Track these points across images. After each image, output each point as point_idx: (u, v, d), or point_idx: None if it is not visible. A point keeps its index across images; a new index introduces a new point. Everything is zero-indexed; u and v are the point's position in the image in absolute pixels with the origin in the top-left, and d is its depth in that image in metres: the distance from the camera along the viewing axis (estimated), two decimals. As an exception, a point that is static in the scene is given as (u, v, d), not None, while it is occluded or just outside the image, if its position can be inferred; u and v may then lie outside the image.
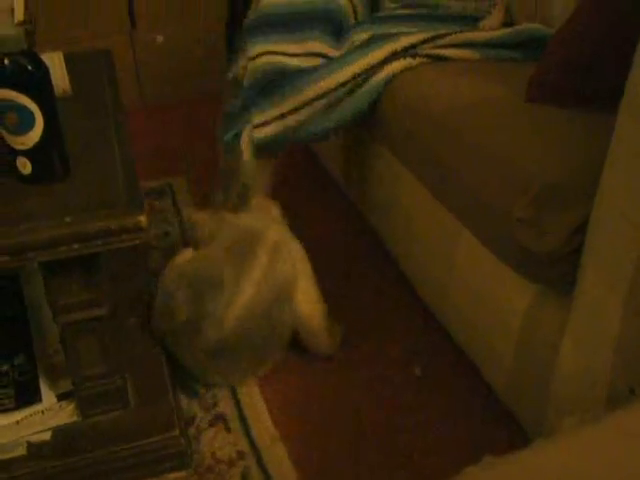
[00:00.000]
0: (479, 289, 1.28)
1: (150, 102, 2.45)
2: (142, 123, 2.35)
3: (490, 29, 1.57)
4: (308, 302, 1.42)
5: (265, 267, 1.34)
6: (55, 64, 1.31)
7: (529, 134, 1.21)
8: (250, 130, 1.53)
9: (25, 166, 1.06)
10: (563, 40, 1.26)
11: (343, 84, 1.47)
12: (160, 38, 2.43)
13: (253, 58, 1.55)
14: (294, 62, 1.54)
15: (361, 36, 1.55)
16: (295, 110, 1.49)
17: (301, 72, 1.50)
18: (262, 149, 1.55)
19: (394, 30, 1.56)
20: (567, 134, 1.19)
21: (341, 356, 1.50)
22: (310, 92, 1.48)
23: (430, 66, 1.46)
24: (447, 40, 1.48)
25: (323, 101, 1.48)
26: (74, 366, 1.21)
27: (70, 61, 1.44)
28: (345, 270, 1.72)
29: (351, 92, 1.48)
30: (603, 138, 1.01)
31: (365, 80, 1.48)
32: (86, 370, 1.21)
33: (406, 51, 1.47)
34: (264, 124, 1.52)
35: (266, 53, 1.55)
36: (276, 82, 1.51)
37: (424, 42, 1.48)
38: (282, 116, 1.50)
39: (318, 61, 1.54)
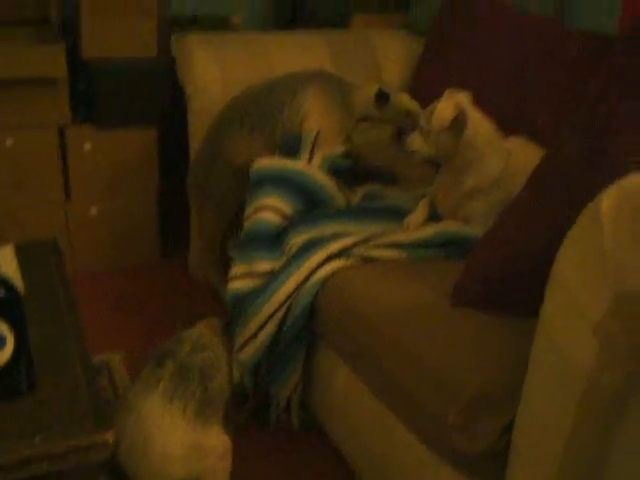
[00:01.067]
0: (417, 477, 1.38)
1: (83, 272, 2.52)
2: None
3: (415, 225, 1.73)
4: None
5: None
6: (7, 260, 1.38)
7: (458, 340, 1.34)
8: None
9: (-8, 384, 1.10)
10: (483, 254, 1.41)
11: (284, 302, 1.62)
12: (94, 210, 2.51)
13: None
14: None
15: (297, 240, 1.69)
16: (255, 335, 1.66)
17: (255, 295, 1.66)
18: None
19: (328, 231, 1.70)
20: (491, 339, 1.32)
21: None
22: (261, 315, 1.64)
23: (362, 267, 1.60)
24: (376, 242, 1.62)
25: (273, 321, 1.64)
26: None
27: (20, 254, 1.50)
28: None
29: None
30: (524, 343, 1.15)
31: (303, 284, 1.60)
32: None
33: (340, 254, 1.60)
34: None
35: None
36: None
37: (355, 244, 1.61)
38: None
39: None
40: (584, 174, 1.24)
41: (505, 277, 1.36)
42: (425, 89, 2.43)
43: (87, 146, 2.49)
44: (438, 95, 2.10)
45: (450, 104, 1.62)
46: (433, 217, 1.79)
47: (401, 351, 1.38)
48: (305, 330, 1.63)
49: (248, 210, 1.83)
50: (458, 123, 1.63)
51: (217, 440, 1.50)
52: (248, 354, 1.65)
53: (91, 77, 2.45)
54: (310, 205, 1.87)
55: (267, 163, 1.87)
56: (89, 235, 2.53)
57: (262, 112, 2.07)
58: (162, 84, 2.52)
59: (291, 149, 1.94)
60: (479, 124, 1.65)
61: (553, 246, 1.22)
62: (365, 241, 1.63)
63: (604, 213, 0.98)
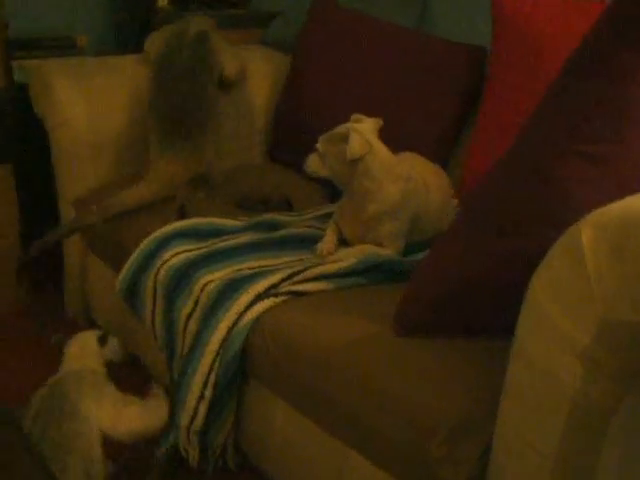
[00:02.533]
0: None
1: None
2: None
3: (328, 251, 1.73)
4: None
5: None
6: None
7: (418, 369, 1.35)
8: None
9: None
10: (424, 279, 1.42)
11: (218, 351, 1.56)
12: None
13: None
14: None
15: (210, 281, 1.64)
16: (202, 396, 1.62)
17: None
18: None
19: (245, 269, 1.66)
20: (452, 365, 1.34)
21: None
22: (199, 376, 1.61)
23: (293, 302, 1.57)
24: (302, 276, 1.59)
25: None
26: None
27: None
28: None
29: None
30: (486, 365, 1.21)
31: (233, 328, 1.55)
32: None
33: (268, 292, 1.56)
34: None
35: None
36: None
37: (282, 280, 1.58)
38: None
39: None
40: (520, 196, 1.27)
41: (452, 301, 1.38)
42: (294, 104, 2.42)
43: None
44: (310, 112, 2.12)
45: (360, 140, 1.62)
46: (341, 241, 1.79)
47: (359, 387, 1.36)
48: (237, 373, 1.57)
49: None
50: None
51: None
52: (194, 419, 1.58)
53: None
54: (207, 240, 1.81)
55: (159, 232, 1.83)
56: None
57: None
58: (11, 115, 2.33)
59: None
60: (376, 154, 1.66)
61: (497, 268, 1.26)
62: (291, 276, 1.59)
63: (585, 244, 1.01)
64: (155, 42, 2.26)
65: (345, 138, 1.63)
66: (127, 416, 1.57)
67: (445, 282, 1.35)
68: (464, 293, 1.35)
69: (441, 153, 2.12)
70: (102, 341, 1.72)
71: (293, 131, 2.40)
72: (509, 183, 1.28)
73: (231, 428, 1.63)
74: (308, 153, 2.20)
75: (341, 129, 1.67)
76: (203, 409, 1.57)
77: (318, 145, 1.69)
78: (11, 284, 2.45)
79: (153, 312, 1.77)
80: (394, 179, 1.70)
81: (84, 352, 1.66)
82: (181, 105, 2.10)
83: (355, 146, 1.60)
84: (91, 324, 2.30)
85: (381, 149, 1.69)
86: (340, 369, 1.40)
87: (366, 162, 1.64)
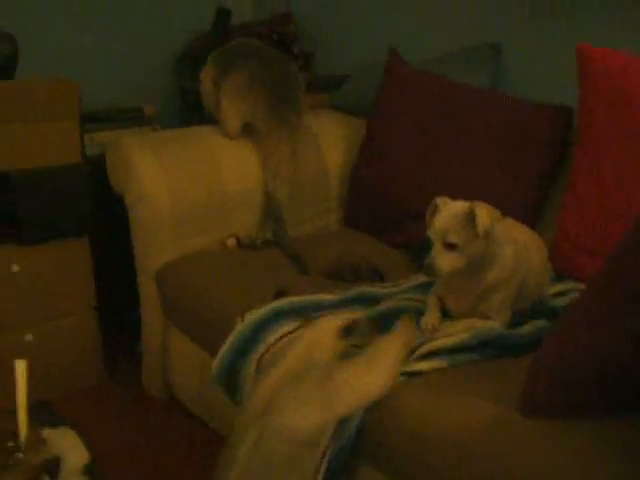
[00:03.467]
0: None
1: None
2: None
3: (433, 327, 1.67)
4: None
5: None
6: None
7: (553, 455, 1.28)
8: None
9: None
10: (555, 357, 1.36)
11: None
12: (29, 337, 2.27)
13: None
14: None
15: None
16: None
17: None
18: None
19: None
20: (592, 449, 1.28)
21: None
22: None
23: (409, 383, 1.51)
24: (418, 353, 1.53)
25: None
26: None
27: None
28: None
29: None
30: (616, 447, 1.19)
31: None
32: None
33: (384, 372, 1.50)
34: None
35: None
36: None
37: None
38: None
39: None
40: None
41: (585, 380, 1.31)
42: (372, 170, 2.39)
43: (15, 267, 2.24)
44: (390, 178, 2.08)
45: (487, 209, 1.56)
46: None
47: (491, 474, 1.29)
48: (350, 458, 1.50)
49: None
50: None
51: None
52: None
53: (12, 191, 2.21)
54: None
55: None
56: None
57: None
58: (88, 190, 2.32)
59: None
60: (497, 217, 1.61)
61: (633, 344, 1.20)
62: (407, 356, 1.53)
63: None
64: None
65: (470, 217, 1.57)
66: None
67: (584, 363, 1.29)
68: (598, 372, 1.29)
69: (528, 217, 2.06)
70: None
71: (371, 197, 2.36)
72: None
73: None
74: (386, 221, 2.19)
75: (459, 210, 1.59)
76: None
77: (451, 237, 1.58)
78: (87, 360, 2.41)
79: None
80: (508, 244, 1.65)
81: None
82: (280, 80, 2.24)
83: (486, 218, 1.54)
84: (171, 401, 2.25)
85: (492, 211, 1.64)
86: (471, 454, 1.34)
87: (495, 229, 1.59)
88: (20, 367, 1.11)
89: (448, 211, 1.59)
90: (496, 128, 2.16)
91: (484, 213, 1.54)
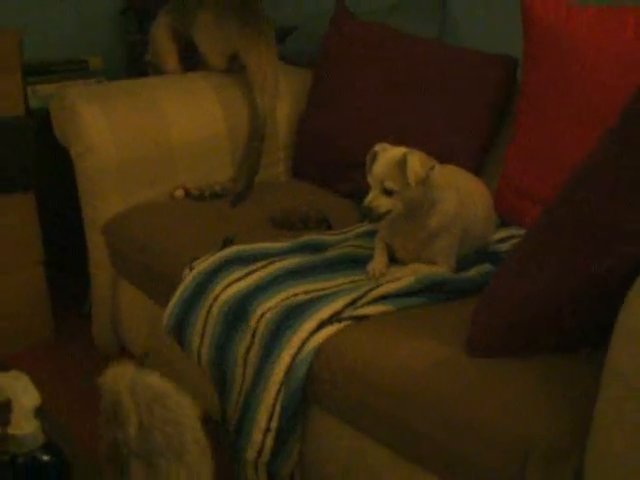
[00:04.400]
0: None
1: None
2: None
3: (380, 272, 1.70)
4: None
5: None
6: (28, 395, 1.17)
7: (492, 392, 1.32)
8: None
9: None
10: (504, 300, 1.39)
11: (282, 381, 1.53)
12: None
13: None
14: None
15: (268, 308, 1.60)
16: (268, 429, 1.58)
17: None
18: None
19: (301, 294, 1.63)
20: (531, 387, 1.32)
21: None
22: (264, 406, 1.57)
23: (356, 327, 1.53)
24: (366, 299, 1.56)
25: None
26: None
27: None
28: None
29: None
30: (568, 385, 1.23)
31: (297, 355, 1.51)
32: None
33: (331, 318, 1.53)
34: None
35: None
36: None
37: (346, 307, 1.55)
38: None
39: None
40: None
41: (537, 322, 1.35)
42: (319, 121, 2.39)
43: (-43, 223, 2.21)
44: (336, 128, 2.09)
45: (420, 157, 1.58)
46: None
47: (439, 413, 1.34)
48: (302, 402, 1.53)
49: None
50: (429, 172, 1.60)
51: None
52: (262, 452, 1.54)
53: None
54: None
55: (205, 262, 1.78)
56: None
57: None
58: (32, 144, 2.28)
59: None
60: (431, 165, 1.63)
61: (593, 288, 1.24)
62: (354, 301, 1.56)
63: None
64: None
65: (403, 165, 1.59)
66: None
67: (531, 303, 1.33)
68: (553, 314, 1.33)
69: (473, 166, 2.09)
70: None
71: (318, 147, 2.37)
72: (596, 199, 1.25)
73: (297, 457, 1.59)
74: (334, 171, 2.20)
75: (396, 157, 1.61)
76: (270, 441, 1.54)
77: (387, 184, 1.62)
78: (36, 315, 2.39)
79: (200, 347, 1.72)
80: (450, 190, 1.67)
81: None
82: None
83: (416, 165, 1.57)
84: (122, 354, 2.26)
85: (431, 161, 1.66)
86: (417, 394, 1.37)
87: (431, 175, 1.61)
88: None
89: (385, 158, 1.61)
90: (442, 78, 2.17)
91: (416, 160, 1.57)
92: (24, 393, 0.95)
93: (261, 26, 2.33)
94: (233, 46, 2.33)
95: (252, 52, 2.32)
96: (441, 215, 1.67)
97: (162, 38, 2.40)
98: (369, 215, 1.61)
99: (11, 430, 0.96)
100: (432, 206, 1.66)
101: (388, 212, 1.61)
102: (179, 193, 2.21)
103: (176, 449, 1.10)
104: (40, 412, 0.98)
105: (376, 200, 1.60)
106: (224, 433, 1.65)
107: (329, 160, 2.32)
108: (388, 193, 1.59)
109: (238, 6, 2.31)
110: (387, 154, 1.63)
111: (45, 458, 0.97)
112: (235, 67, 2.39)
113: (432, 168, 1.60)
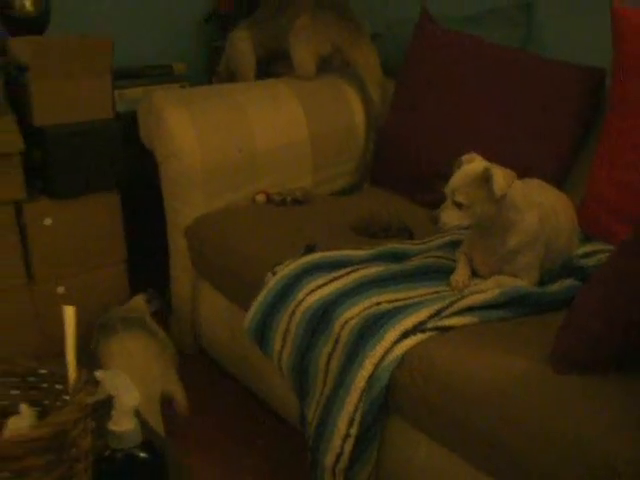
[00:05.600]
0: None
1: (57, 356, 2.30)
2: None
3: (463, 284, 1.69)
4: None
5: None
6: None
7: (575, 406, 1.31)
8: None
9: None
10: (593, 316, 1.38)
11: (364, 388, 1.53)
12: (61, 289, 2.31)
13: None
14: None
15: (350, 317, 1.60)
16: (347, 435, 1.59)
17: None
18: None
19: (384, 302, 1.63)
20: (617, 403, 1.30)
21: None
22: (346, 412, 1.58)
23: (440, 338, 1.53)
24: (450, 310, 1.56)
25: None
26: None
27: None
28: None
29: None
30: None
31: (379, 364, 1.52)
32: None
33: (415, 328, 1.53)
34: None
35: None
36: None
37: (430, 317, 1.55)
38: None
39: None
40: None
41: (620, 336, 1.34)
42: (401, 130, 2.39)
43: (47, 221, 2.27)
44: (418, 137, 2.09)
45: (505, 173, 1.57)
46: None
47: (520, 425, 1.33)
48: (382, 410, 1.54)
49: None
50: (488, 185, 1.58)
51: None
52: (340, 458, 1.55)
53: (47, 146, 2.23)
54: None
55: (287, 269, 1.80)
56: (58, 316, 2.30)
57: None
58: (119, 145, 2.34)
59: None
60: (515, 185, 1.61)
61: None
62: (438, 312, 1.56)
63: None
64: None
65: (483, 179, 1.59)
66: None
67: (621, 320, 1.31)
68: (629, 329, 1.31)
69: (557, 178, 2.06)
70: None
71: (398, 155, 2.37)
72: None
73: (375, 464, 1.59)
74: (416, 180, 2.20)
75: (474, 171, 1.61)
76: (349, 447, 1.55)
77: (458, 197, 1.62)
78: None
79: (281, 351, 1.74)
80: (531, 208, 1.66)
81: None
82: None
83: (501, 181, 1.56)
84: (200, 355, 2.29)
85: (512, 177, 1.64)
86: (498, 405, 1.36)
87: (511, 195, 1.60)
88: (69, 312, 1.14)
89: (464, 170, 1.62)
90: (526, 88, 2.16)
91: (500, 175, 1.56)
92: (125, 391, 0.97)
93: (358, 23, 2.41)
94: (334, 43, 2.40)
95: (356, 47, 2.40)
96: (521, 234, 1.66)
97: (246, 51, 2.46)
98: (435, 224, 1.62)
99: (111, 426, 0.99)
100: (511, 226, 1.65)
101: (455, 226, 1.62)
102: (261, 198, 2.24)
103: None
104: (138, 412, 1.01)
105: (446, 211, 1.61)
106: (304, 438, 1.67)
107: (409, 168, 2.32)
108: (459, 206, 1.58)
109: (333, 6, 2.39)
110: (468, 166, 1.63)
111: (143, 455, 0.99)
112: (336, 63, 2.47)
113: (513, 184, 1.58)
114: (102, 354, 1.93)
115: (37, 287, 2.30)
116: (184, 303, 2.30)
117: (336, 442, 1.56)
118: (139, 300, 2.22)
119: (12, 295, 2.25)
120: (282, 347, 1.73)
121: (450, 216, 1.62)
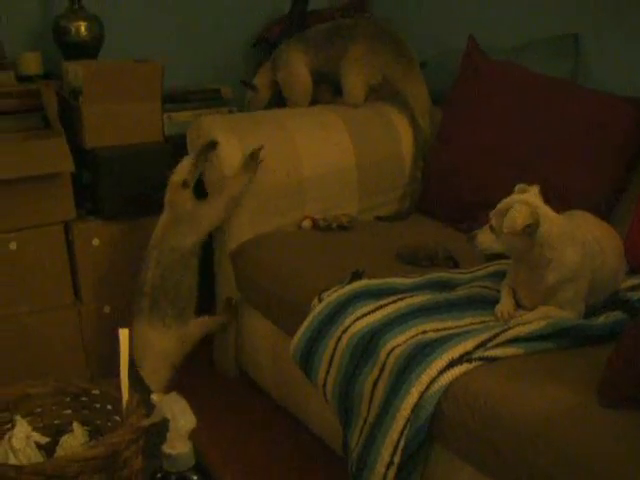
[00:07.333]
0: None
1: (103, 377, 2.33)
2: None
3: (509, 315, 1.69)
4: None
5: None
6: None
7: (624, 440, 1.30)
8: None
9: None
10: (634, 351, 1.37)
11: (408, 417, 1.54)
12: (107, 308, 2.35)
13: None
14: None
15: (396, 345, 1.62)
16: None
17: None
18: None
19: (430, 331, 1.64)
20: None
21: None
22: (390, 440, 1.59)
23: (486, 368, 1.53)
24: (497, 340, 1.56)
25: None
26: None
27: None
28: None
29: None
30: None
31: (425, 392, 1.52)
32: None
33: (461, 357, 1.53)
34: None
35: None
36: None
37: (477, 347, 1.55)
38: None
39: None
40: None
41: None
42: (448, 158, 2.40)
43: (95, 241, 2.31)
44: (465, 166, 2.10)
45: (524, 210, 1.58)
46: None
47: (572, 461, 1.32)
48: (426, 439, 1.54)
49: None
50: (531, 227, 1.58)
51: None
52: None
53: (97, 168, 2.28)
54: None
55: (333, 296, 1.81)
56: (105, 336, 2.35)
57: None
58: (167, 168, 2.38)
59: None
60: (552, 221, 1.61)
61: None
62: (484, 343, 1.56)
63: None
64: None
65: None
66: None
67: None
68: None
69: (604, 210, 2.05)
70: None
71: (444, 184, 2.38)
72: None
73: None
74: (461, 209, 2.21)
75: (507, 202, 1.63)
76: (392, 475, 1.55)
77: (493, 221, 1.64)
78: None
79: (326, 377, 1.75)
80: (573, 244, 1.65)
81: None
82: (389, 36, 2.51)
83: (511, 218, 1.56)
84: (241, 379, 2.30)
85: (554, 216, 1.64)
86: (544, 438, 1.36)
87: (544, 232, 1.59)
88: (123, 335, 1.17)
89: (509, 198, 1.64)
90: (574, 120, 2.16)
91: (516, 212, 1.56)
92: (182, 415, 0.99)
93: (411, 54, 2.45)
94: (387, 74, 2.44)
95: (408, 78, 2.43)
96: (560, 271, 1.65)
97: (304, 76, 2.48)
98: (470, 242, 1.67)
99: (166, 449, 1.00)
100: (548, 263, 1.64)
101: (488, 249, 1.65)
102: (307, 223, 2.26)
103: None
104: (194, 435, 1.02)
105: (482, 233, 1.64)
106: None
107: (455, 197, 2.33)
108: (493, 231, 1.60)
109: (389, 38, 2.43)
110: (515, 196, 1.64)
111: (195, 478, 1.01)
112: (384, 92, 2.50)
113: (531, 226, 1.59)
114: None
115: (84, 307, 2.34)
116: (228, 326, 2.31)
117: (380, 469, 1.56)
118: None
119: (60, 314, 2.30)
120: (327, 373, 1.74)
121: (485, 238, 1.65)
